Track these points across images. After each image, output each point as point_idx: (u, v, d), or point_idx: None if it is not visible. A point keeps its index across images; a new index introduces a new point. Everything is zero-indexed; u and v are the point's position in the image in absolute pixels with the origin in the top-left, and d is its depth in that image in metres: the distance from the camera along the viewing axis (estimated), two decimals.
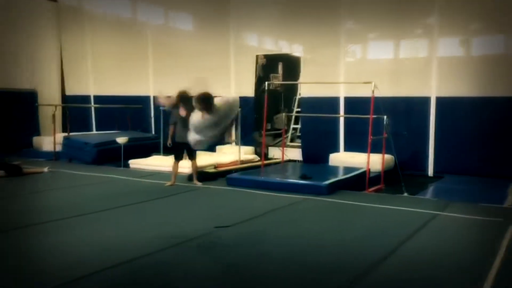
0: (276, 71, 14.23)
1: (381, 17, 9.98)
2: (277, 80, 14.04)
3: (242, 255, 4.46)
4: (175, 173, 8.05)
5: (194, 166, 8.16)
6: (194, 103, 4.48)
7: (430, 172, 9.53)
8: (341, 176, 8.28)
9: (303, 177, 7.84)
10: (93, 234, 5.10)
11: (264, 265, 4.19)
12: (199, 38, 12.45)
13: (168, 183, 7.98)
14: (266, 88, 9.50)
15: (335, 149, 10.32)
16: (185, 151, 8.10)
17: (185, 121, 7.76)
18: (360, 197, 7.24)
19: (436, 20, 9.50)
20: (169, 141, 8.48)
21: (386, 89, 8.93)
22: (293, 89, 13.64)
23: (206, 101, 4.63)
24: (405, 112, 9.56)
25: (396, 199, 7.15)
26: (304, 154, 10.91)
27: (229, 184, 8.02)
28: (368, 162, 8.21)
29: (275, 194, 7.26)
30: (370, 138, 8.06)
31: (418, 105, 9.56)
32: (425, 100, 9.47)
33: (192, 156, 8.12)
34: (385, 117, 8.30)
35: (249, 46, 12.19)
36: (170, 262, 4.23)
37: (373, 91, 8.08)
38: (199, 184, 8.04)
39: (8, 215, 5.95)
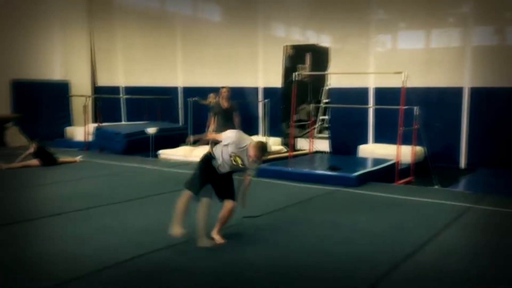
0: (303, 62, 14.12)
1: (412, 6, 9.77)
2: (304, 71, 13.93)
3: (270, 244, 4.47)
4: None
5: None
6: (251, 150, 4.20)
7: (463, 164, 9.32)
8: (370, 167, 8.20)
9: (331, 168, 7.79)
10: (125, 223, 5.20)
11: (292, 256, 4.19)
12: (227, 29, 12.46)
13: None
14: (294, 79, 9.45)
15: (364, 141, 10.20)
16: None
17: (226, 113, 7.80)
18: (389, 189, 7.16)
19: (470, 9, 9.24)
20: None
21: (418, 80, 8.75)
22: (320, 80, 13.52)
23: (263, 151, 4.30)
24: (437, 103, 9.36)
25: (427, 192, 7.04)
26: (332, 145, 10.83)
27: (257, 175, 8.02)
28: (398, 154, 8.09)
29: (304, 185, 7.25)
30: (400, 129, 7.93)
31: (450, 95, 9.34)
32: (458, 91, 9.25)
33: None
34: (416, 108, 8.15)
35: (277, 37, 12.15)
36: (199, 250, 4.27)
37: (404, 82, 7.94)
38: None
39: (40, 203, 6.13)
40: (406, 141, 8.23)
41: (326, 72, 11.95)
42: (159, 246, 4.34)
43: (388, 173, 7.94)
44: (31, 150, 8.86)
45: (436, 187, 7.46)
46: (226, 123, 7.47)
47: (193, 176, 4.44)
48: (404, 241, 4.60)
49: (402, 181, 7.92)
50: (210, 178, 4.42)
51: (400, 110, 8.01)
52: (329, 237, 4.75)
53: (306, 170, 8.00)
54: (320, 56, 12.96)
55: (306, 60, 14.15)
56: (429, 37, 10.00)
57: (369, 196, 6.67)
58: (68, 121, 14.02)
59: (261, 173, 7.98)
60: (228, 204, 4.42)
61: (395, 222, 5.35)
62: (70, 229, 4.92)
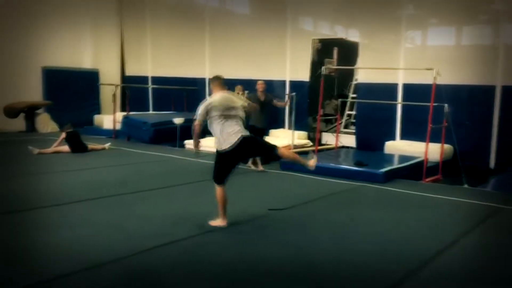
0: (330, 56, 14.02)
1: (443, 2, 9.57)
2: (331, 65, 13.83)
3: (294, 239, 4.48)
4: None
5: None
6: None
7: (492, 164, 9.13)
8: (397, 164, 8.13)
9: (358, 163, 7.75)
10: (150, 210, 5.28)
11: (316, 251, 4.18)
12: (255, 21, 12.46)
13: None
14: (322, 73, 9.41)
15: (391, 137, 10.08)
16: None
17: (262, 104, 8.05)
18: (417, 187, 7.09)
19: (502, 5, 9.01)
20: None
21: (448, 77, 8.55)
22: (346, 74, 13.41)
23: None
24: (468, 101, 9.18)
25: (455, 191, 6.94)
26: (358, 141, 10.76)
27: (283, 168, 8.05)
28: (426, 151, 7.99)
29: (329, 179, 7.24)
30: (429, 126, 7.82)
31: (482, 93, 9.14)
32: (490, 89, 9.05)
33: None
34: (446, 105, 8.03)
35: (305, 30, 12.08)
36: (222, 242, 4.32)
37: (434, 78, 7.82)
38: (253, 167, 8.11)
39: (69, 189, 6.27)
40: (434, 139, 8.13)
41: (355, 67, 11.85)
42: (179, 237, 4.36)
43: (415, 171, 7.85)
44: (64, 135, 9.07)
45: (465, 186, 7.34)
46: (262, 114, 7.87)
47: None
48: (431, 240, 4.55)
49: (429, 179, 7.83)
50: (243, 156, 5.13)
51: (429, 107, 7.89)
52: (355, 233, 4.73)
53: (332, 164, 7.97)
54: (348, 51, 12.85)
55: (333, 54, 14.05)
56: (460, 33, 9.79)
57: (396, 193, 6.62)
58: (97, 109, 14.29)
59: (287, 166, 8.03)
60: (279, 152, 4.88)
61: (422, 220, 5.30)
62: (96, 215, 5.00)
